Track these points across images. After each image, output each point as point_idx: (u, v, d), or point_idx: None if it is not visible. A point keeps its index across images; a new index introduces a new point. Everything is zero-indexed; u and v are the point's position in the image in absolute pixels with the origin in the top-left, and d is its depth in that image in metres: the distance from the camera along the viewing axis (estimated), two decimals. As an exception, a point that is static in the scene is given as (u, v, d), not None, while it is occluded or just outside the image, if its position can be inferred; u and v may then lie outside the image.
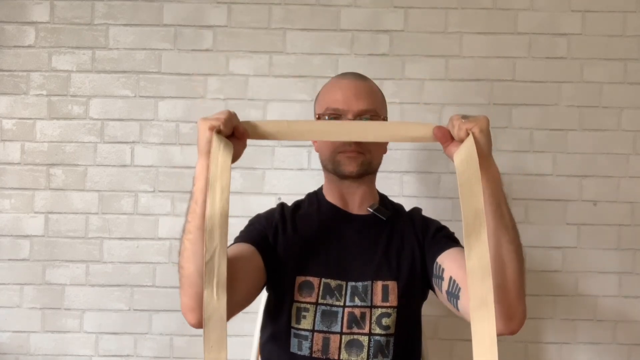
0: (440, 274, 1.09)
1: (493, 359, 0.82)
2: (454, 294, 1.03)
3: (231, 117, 0.94)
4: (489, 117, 0.92)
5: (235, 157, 0.93)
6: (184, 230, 0.96)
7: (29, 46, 1.73)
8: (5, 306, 1.72)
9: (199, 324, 0.93)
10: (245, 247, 1.10)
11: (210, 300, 0.86)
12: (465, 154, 0.87)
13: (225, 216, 0.88)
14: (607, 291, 1.71)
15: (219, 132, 0.90)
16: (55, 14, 1.73)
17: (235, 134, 0.94)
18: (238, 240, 1.14)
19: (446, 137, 0.93)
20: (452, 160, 0.91)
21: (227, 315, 0.87)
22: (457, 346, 1.66)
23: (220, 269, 0.86)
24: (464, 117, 0.91)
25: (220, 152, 0.89)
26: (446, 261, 1.09)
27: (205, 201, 0.89)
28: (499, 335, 0.90)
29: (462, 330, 1.66)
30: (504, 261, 0.92)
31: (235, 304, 1.03)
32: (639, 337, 1.71)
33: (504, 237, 0.91)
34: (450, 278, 1.04)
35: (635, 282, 1.71)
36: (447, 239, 1.15)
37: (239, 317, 1.69)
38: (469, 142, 0.88)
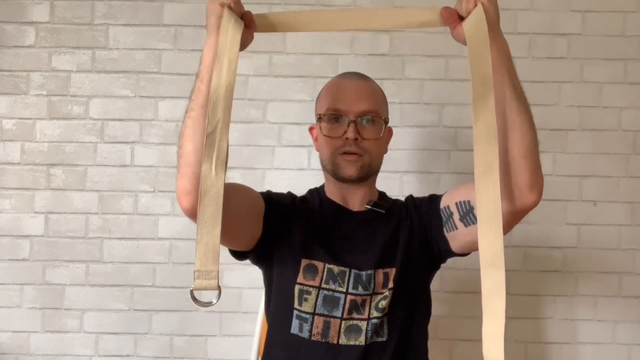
0: (449, 212, 1.08)
1: (497, 226, 0.78)
2: (467, 211, 1.02)
3: (240, 1, 0.91)
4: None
5: (242, 45, 0.89)
6: (186, 110, 0.93)
7: (29, 46, 1.73)
8: (5, 306, 1.72)
9: (193, 210, 0.89)
10: (250, 189, 1.11)
11: (208, 174, 0.83)
12: (474, 22, 0.87)
13: (230, 90, 0.84)
14: (607, 291, 1.71)
15: (229, 9, 0.88)
16: (55, 14, 1.73)
17: (243, 20, 0.90)
18: None
19: (454, 18, 0.92)
20: (461, 42, 0.90)
21: None
22: (457, 346, 1.66)
23: (221, 144, 0.83)
24: None
25: (231, 25, 0.86)
26: (447, 199, 1.10)
27: (211, 79, 0.85)
28: (521, 210, 0.90)
29: (462, 330, 1.66)
30: (521, 130, 0.90)
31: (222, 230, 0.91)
32: (639, 337, 1.71)
33: (519, 106, 0.90)
34: (457, 204, 1.05)
35: (635, 282, 1.71)
36: (440, 195, 1.16)
37: (239, 316, 1.70)
38: (478, 10, 0.88)
